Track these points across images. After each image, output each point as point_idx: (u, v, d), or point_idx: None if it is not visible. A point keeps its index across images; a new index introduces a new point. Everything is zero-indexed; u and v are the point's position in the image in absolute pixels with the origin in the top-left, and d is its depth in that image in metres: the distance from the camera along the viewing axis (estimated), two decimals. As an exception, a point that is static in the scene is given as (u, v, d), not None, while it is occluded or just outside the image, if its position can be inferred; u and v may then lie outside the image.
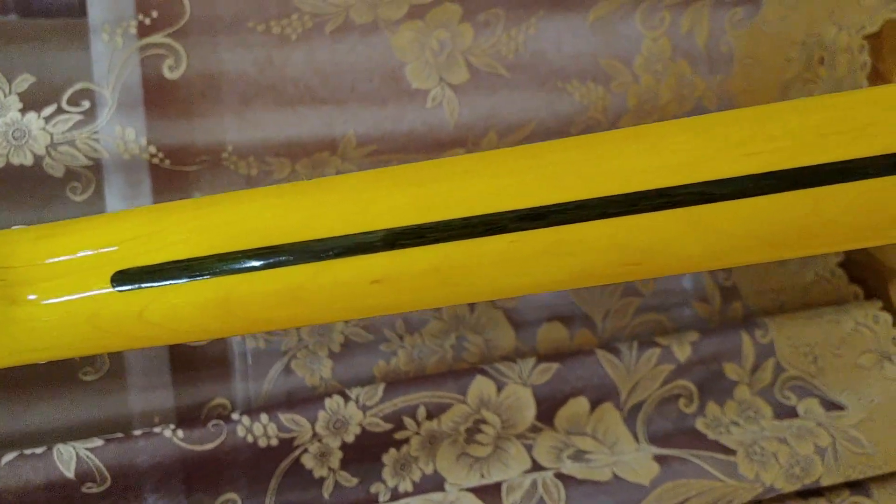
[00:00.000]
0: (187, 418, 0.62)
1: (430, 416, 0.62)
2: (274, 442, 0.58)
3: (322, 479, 0.60)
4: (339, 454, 0.60)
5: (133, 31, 0.57)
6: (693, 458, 0.61)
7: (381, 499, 0.61)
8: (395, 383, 0.62)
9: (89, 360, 0.61)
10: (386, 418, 0.61)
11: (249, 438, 0.58)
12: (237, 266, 0.20)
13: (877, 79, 0.69)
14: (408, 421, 0.61)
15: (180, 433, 0.56)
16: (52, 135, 0.55)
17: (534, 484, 0.60)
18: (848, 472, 0.62)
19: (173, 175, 0.60)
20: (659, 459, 0.61)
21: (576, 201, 0.20)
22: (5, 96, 0.55)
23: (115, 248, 0.23)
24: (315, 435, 0.59)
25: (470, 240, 0.20)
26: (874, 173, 0.20)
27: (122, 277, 0.22)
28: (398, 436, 0.61)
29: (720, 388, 0.67)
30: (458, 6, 0.62)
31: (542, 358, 0.65)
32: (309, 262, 0.20)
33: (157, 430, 0.56)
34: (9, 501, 0.53)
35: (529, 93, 0.65)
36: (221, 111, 0.60)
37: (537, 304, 0.71)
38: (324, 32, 0.61)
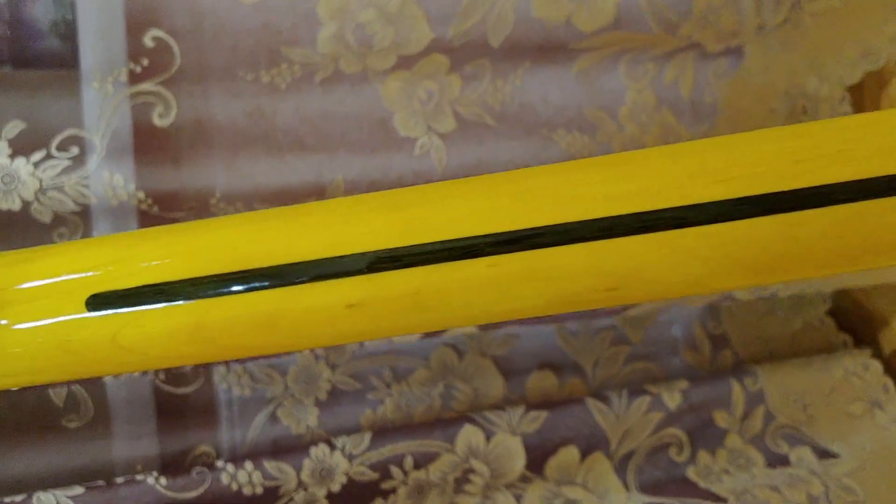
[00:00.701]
0: (171, 466, 0.61)
1: (417, 466, 0.61)
2: (259, 490, 0.57)
3: (307, 530, 0.59)
4: (325, 503, 0.59)
5: (123, 78, 0.57)
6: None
7: (367, 550, 0.60)
8: (382, 432, 0.61)
9: (74, 407, 0.60)
10: (373, 467, 0.60)
11: (234, 486, 0.57)
12: (211, 290, 0.20)
13: (858, 128, 0.70)
14: (395, 470, 0.60)
15: (163, 481, 0.55)
16: (41, 180, 0.56)
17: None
18: None
19: (161, 221, 0.60)
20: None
21: (552, 225, 0.20)
22: (-4, 143, 0.55)
23: (91, 272, 0.23)
24: (300, 483, 0.58)
25: (447, 263, 0.20)
26: (846, 199, 0.20)
27: (96, 301, 0.22)
28: (385, 485, 0.60)
29: (711, 436, 0.66)
30: (445, 57, 0.63)
31: (532, 406, 0.64)
32: (283, 287, 0.20)
33: (139, 477, 0.55)
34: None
35: (516, 142, 0.66)
36: (210, 159, 0.60)
37: (527, 352, 0.70)
38: (313, 82, 0.62)
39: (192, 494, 0.55)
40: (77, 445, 0.59)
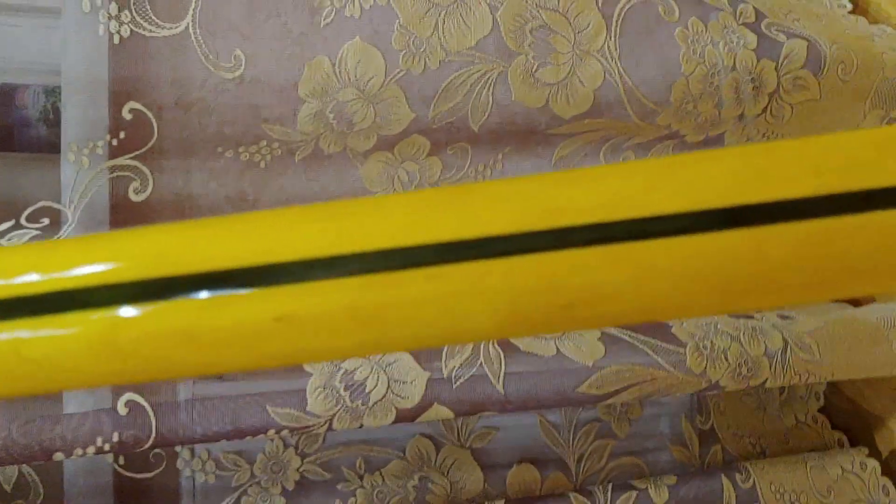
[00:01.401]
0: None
1: (387, 562, 0.57)
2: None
3: None
4: None
5: (100, 151, 0.57)
6: None
7: None
8: (352, 524, 0.57)
9: (23, 492, 0.56)
10: (340, 563, 0.56)
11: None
12: (119, 300, 0.18)
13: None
14: (363, 567, 0.56)
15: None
16: (6, 249, 0.54)
17: None
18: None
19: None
20: None
21: (500, 235, 0.19)
22: (-35, 213, 0.54)
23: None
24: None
25: (383, 273, 0.19)
26: (815, 214, 0.19)
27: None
28: (352, 584, 0.56)
29: (701, 536, 0.63)
30: (425, 139, 0.63)
31: (512, 501, 0.61)
32: (202, 297, 0.18)
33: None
34: None
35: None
36: (184, 234, 0.59)
37: (507, 445, 0.67)
38: (293, 160, 0.62)
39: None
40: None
